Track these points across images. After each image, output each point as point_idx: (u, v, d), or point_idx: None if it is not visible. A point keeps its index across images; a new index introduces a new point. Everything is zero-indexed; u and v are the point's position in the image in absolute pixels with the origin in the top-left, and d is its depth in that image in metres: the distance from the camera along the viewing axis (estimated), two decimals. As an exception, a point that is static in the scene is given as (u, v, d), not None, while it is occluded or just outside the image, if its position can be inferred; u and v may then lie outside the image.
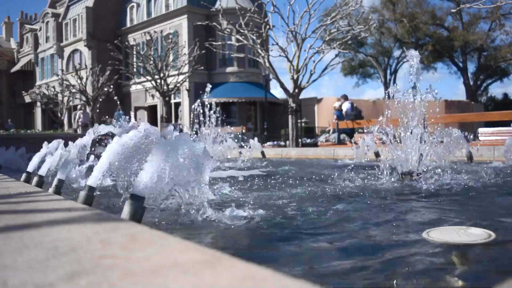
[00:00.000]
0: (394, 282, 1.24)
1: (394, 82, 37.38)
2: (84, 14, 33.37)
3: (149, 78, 22.36)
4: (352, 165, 4.94)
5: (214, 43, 15.21)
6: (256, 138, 9.98)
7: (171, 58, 22.85)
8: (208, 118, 9.00)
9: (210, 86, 8.37)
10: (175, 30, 29.26)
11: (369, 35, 22.88)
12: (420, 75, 4.13)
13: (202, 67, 25.26)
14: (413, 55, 4.12)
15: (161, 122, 25.09)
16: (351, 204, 2.67)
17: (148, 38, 22.85)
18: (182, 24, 29.30)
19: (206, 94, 9.56)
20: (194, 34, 27.78)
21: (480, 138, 9.17)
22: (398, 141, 4.05)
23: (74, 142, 2.93)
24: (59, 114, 31.74)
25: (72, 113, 23.57)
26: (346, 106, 13.33)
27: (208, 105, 9.10)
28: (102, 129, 2.58)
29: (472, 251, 1.53)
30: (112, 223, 1.07)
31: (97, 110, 25.14)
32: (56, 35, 36.88)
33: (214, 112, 8.99)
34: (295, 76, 13.40)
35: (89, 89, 27.32)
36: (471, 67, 35.67)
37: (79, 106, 20.82)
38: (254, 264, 0.67)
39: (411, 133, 3.91)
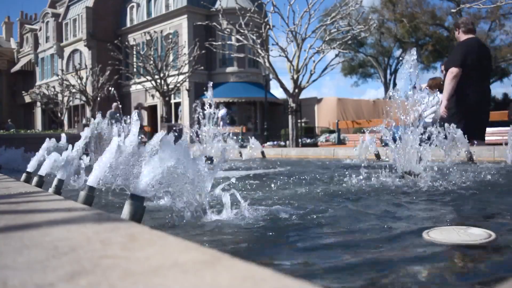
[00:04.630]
0: (393, 282, 1.24)
1: (394, 82, 37.43)
2: (84, 14, 33.39)
3: (149, 78, 22.36)
4: (352, 165, 4.94)
5: (214, 43, 15.21)
6: (254, 138, 9.97)
7: (171, 58, 22.87)
8: (210, 119, 8.89)
9: (211, 83, 8.23)
10: (175, 30, 29.28)
11: (369, 35, 22.87)
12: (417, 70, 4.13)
13: (202, 67, 25.27)
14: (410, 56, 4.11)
15: (161, 122, 25.10)
16: (350, 203, 2.67)
17: (148, 38, 22.86)
18: (182, 24, 29.32)
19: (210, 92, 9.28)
20: (194, 34, 27.80)
21: (480, 138, 9.15)
22: (398, 141, 4.04)
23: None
24: (59, 114, 31.76)
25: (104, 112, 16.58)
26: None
27: (212, 105, 8.97)
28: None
29: (472, 251, 1.53)
30: (112, 223, 1.07)
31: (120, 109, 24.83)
32: (56, 35, 36.90)
33: (231, 117, 8.79)
34: (295, 76, 13.40)
35: (89, 89, 27.35)
36: (471, 67, 35.62)
37: (120, 104, 13.14)
38: (254, 264, 0.67)
39: (410, 132, 3.91)
